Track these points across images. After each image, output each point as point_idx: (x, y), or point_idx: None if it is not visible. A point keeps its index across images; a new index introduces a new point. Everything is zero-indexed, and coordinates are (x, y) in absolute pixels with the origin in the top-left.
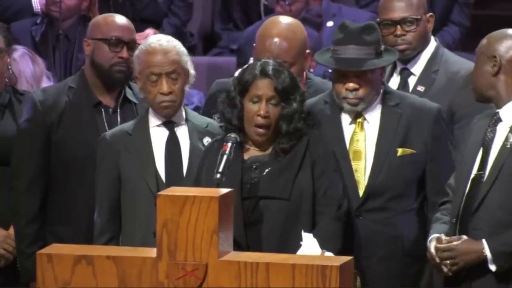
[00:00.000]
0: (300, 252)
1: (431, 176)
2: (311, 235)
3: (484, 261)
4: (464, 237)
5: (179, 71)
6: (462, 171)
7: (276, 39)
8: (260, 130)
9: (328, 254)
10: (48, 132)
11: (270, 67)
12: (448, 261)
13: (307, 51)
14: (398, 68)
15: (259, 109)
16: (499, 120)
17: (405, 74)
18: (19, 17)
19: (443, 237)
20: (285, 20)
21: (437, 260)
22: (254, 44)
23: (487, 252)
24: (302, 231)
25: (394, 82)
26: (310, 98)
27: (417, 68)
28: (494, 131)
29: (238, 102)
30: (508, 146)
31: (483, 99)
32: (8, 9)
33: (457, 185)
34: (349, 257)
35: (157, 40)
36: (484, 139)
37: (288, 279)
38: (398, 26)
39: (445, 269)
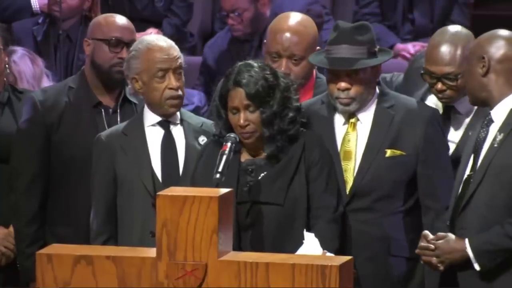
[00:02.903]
0: (300, 251)
1: (422, 179)
2: (312, 234)
3: (467, 260)
4: (450, 235)
5: (181, 67)
6: (458, 174)
7: (287, 33)
8: (245, 136)
9: (329, 254)
10: (48, 132)
11: (244, 74)
12: (434, 259)
13: (318, 47)
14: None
15: (238, 119)
16: (491, 121)
17: (448, 107)
18: (18, 16)
19: (429, 234)
20: (296, 15)
21: (425, 257)
22: (265, 40)
23: (469, 251)
24: (304, 230)
25: (433, 103)
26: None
27: (465, 108)
28: (486, 132)
29: (223, 114)
30: (496, 145)
31: (478, 102)
32: (7, 9)
33: (453, 189)
34: (349, 257)
35: (155, 39)
36: (476, 141)
37: (288, 279)
38: (439, 83)
39: (433, 263)
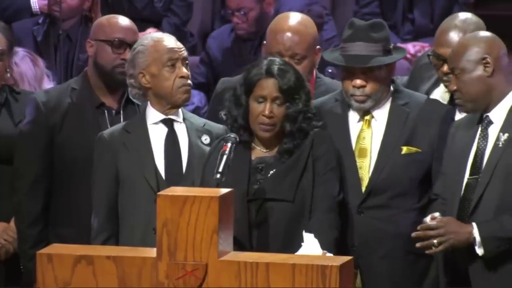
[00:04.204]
0: (300, 252)
1: (437, 176)
2: (312, 235)
3: (472, 243)
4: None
5: (187, 58)
6: (453, 177)
7: (288, 33)
8: (265, 127)
9: (329, 254)
10: (51, 134)
11: (276, 67)
12: (435, 240)
13: (318, 47)
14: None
15: (263, 109)
16: (490, 123)
17: (453, 98)
18: (18, 16)
19: (436, 215)
20: (296, 15)
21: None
22: (265, 42)
23: (476, 234)
24: (303, 231)
25: (439, 97)
26: (319, 97)
27: None
28: (486, 135)
29: (244, 101)
30: (500, 145)
31: (478, 107)
32: (7, 9)
33: (449, 191)
34: (349, 257)
35: (159, 34)
36: (477, 144)
37: (288, 279)
38: (445, 65)
39: (432, 249)
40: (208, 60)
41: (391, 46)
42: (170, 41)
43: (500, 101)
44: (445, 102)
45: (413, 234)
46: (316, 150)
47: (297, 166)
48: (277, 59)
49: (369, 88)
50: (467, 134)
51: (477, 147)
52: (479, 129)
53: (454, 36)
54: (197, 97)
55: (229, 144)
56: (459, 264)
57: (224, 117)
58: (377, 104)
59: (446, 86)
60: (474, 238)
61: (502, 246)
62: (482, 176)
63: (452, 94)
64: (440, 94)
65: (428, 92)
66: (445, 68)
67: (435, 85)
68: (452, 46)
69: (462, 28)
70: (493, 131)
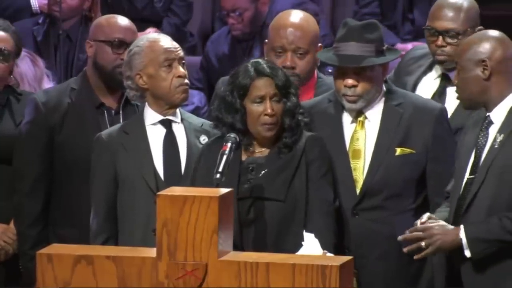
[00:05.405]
0: (301, 252)
1: (432, 176)
2: (312, 235)
3: (459, 245)
4: (442, 221)
5: (184, 58)
6: (456, 177)
7: (290, 28)
8: (269, 127)
9: (329, 254)
10: (51, 134)
11: (265, 66)
12: (423, 242)
13: (319, 44)
14: (439, 71)
15: (264, 108)
16: (490, 123)
17: (445, 81)
18: (18, 16)
19: (425, 217)
20: (297, 12)
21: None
22: (266, 40)
23: (463, 236)
24: (304, 231)
25: (429, 83)
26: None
27: None
28: (486, 135)
29: (239, 106)
30: (496, 146)
31: (477, 106)
32: (7, 9)
33: (452, 191)
34: (349, 257)
35: (154, 35)
36: (477, 143)
37: (288, 279)
38: (440, 37)
39: (421, 253)
40: (206, 65)
41: (384, 47)
42: (166, 41)
43: (501, 101)
44: (435, 89)
45: (400, 237)
46: (310, 153)
47: (289, 167)
48: (261, 60)
49: (360, 88)
50: (472, 133)
51: (477, 147)
52: (480, 129)
53: (450, 9)
54: (197, 97)
55: (229, 144)
56: (454, 265)
57: (213, 126)
58: (369, 104)
59: (439, 62)
60: (461, 240)
61: (489, 248)
62: (477, 175)
63: (441, 80)
64: (429, 81)
65: (417, 82)
66: (439, 41)
67: (424, 73)
68: (448, 19)
69: (458, 3)
70: (493, 131)
